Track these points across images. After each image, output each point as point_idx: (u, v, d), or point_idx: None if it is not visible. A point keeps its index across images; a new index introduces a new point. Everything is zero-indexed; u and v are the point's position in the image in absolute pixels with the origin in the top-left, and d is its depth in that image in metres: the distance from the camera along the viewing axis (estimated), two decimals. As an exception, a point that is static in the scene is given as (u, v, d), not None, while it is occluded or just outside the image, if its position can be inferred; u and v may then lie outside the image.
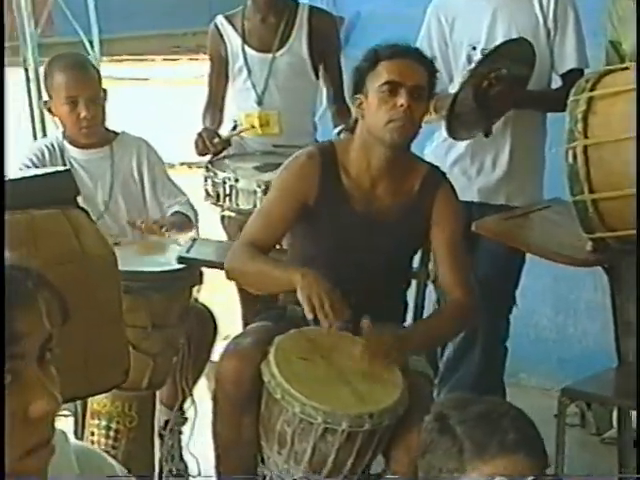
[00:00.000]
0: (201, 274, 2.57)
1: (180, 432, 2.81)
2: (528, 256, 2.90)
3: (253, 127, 3.11)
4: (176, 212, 2.89)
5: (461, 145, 2.93)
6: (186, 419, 2.81)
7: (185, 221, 2.88)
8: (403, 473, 2.14)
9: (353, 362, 2.18)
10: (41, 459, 0.97)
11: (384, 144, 2.32)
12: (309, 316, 2.17)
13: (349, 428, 2.05)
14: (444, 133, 2.85)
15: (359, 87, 2.36)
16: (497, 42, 2.81)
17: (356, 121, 2.44)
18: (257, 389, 2.17)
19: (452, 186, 2.46)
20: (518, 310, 3.05)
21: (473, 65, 2.80)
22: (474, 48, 2.88)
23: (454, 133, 2.79)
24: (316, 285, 2.18)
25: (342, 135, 3.01)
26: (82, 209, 2.06)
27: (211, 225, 3.20)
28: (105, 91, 2.86)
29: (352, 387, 2.12)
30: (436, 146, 2.99)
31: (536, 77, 2.83)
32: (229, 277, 2.42)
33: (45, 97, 2.92)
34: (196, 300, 2.68)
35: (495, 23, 2.87)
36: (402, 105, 2.28)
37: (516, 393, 2.98)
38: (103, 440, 2.51)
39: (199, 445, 2.65)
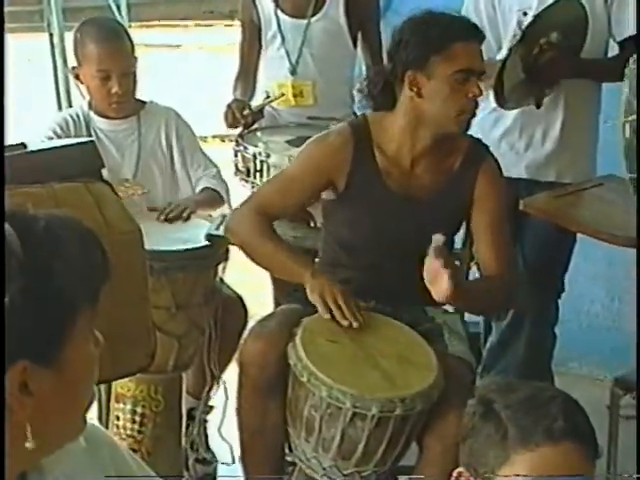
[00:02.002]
0: (227, 251, 2.59)
1: (205, 420, 2.86)
2: (580, 237, 2.89)
3: (283, 95, 3.13)
4: (205, 188, 2.90)
5: (509, 117, 2.93)
6: (211, 408, 2.85)
7: (214, 197, 2.89)
8: (436, 462, 2.15)
9: (385, 345, 2.20)
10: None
11: (442, 130, 2.30)
12: (325, 316, 2.21)
13: (379, 413, 2.06)
14: (491, 104, 2.85)
15: (416, 62, 2.25)
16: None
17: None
18: (283, 373, 2.20)
19: (496, 160, 2.44)
20: (569, 295, 3.05)
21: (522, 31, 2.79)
22: (525, 14, 2.83)
23: (503, 104, 2.79)
24: (328, 285, 2.23)
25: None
26: (106, 182, 2.10)
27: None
28: (135, 59, 2.86)
29: (383, 370, 2.13)
30: (482, 118, 2.95)
31: (592, 45, 2.81)
32: (233, 241, 2.41)
33: (72, 63, 2.91)
34: (222, 281, 2.71)
35: None
36: (474, 96, 2.26)
37: (565, 383, 2.95)
38: (129, 425, 2.57)
39: (232, 431, 2.70)
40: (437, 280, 2.07)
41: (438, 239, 2.10)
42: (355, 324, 2.19)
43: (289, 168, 2.48)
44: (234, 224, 2.41)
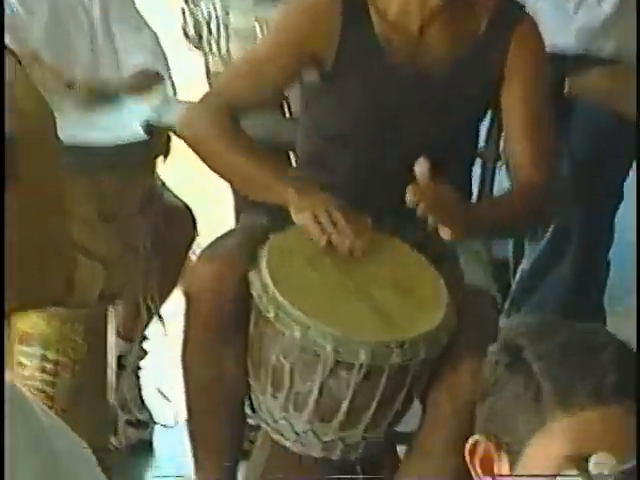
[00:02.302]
0: (168, 139, 2.55)
1: (139, 368, 2.87)
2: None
3: None
4: (138, 72, 2.89)
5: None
6: (145, 352, 2.88)
7: (150, 80, 2.87)
8: (444, 425, 2.16)
9: (380, 272, 2.18)
10: None
11: None
12: (321, 241, 2.18)
13: (370, 361, 2.06)
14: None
15: None
16: None
17: None
18: (244, 307, 2.19)
19: (535, 24, 2.41)
20: (627, 207, 3.05)
21: None
22: None
23: None
24: (321, 201, 2.20)
25: None
26: (8, 49, 2.06)
27: (194, 78, 3.20)
28: None
29: (376, 304, 2.12)
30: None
31: None
32: (186, 141, 2.40)
33: None
34: (164, 185, 2.70)
35: None
36: None
37: (620, 324, 2.97)
38: (38, 374, 2.53)
39: (175, 385, 2.69)
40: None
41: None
42: (358, 249, 2.15)
43: (258, 46, 2.49)
44: (188, 120, 2.39)
